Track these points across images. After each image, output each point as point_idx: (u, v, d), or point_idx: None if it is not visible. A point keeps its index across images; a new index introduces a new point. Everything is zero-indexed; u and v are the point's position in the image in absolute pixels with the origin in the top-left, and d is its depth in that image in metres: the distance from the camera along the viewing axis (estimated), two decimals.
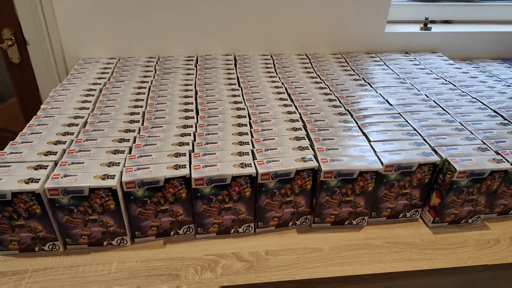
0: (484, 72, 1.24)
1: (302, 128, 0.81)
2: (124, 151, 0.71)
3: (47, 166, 0.66)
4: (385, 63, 1.23)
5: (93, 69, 1.12)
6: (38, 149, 0.71)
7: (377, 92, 1.00)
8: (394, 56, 1.31)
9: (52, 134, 0.77)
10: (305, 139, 0.77)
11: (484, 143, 0.77)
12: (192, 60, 1.21)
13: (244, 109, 0.89)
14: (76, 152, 0.70)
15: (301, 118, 0.86)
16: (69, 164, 0.66)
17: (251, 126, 0.82)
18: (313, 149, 0.73)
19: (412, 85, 1.05)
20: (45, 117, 0.84)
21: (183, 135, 0.77)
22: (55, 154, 0.69)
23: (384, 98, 0.97)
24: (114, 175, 0.63)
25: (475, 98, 0.98)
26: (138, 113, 0.86)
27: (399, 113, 0.88)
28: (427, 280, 0.71)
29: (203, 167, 0.66)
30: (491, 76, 1.18)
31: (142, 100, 0.93)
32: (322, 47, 1.33)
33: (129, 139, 0.75)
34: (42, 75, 1.26)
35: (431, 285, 0.73)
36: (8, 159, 0.68)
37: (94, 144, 0.73)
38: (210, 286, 0.63)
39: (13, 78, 1.30)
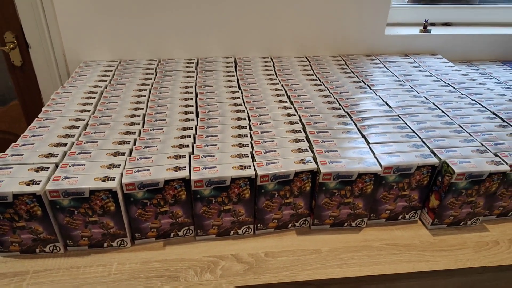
0: (483, 74, 1.24)
1: (302, 130, 0.81)
2: (124, 153, 0.71)
3: (48, 168, 0.66)
4: (384, 66, 1.23)
5: (94, 72, 1.12)
6: (39, 151, 0.71)
7: (376, 95, 1.01)
8: (394, 58, 1.31)
9: (53, 136, 0.77)
10: (304, 141, 0.77)
11: (483, 145, 0.77)
12: (192, 62, 1.21)
13: (244, 111, 0.90)
14: (77, 154, 0.71)
15: (300, 120, 0.86)
16: (70, 166, 0.67)
17: (250, 128, 0.82)
18: (312, 151, 0.73)
19: (412, 88, 1.06)
20: (46, 119, 0.84)
21: (183, 137, 0.78)
22: (56, 156, 0.70)
23: (383, 100, 0.97)
24: (115, 177, 0.63)
25: (474, 100, 0.99)
26: (138, 116, 0.87)
27: (398, 115, 0.89)
28: (426, 282, 0.72)
29: (202, 169, 0.66)
30: (491, 78, 1.18)
31: (143, 102, 0.93)
32: (322, 49, 1.33)
33: (130, 141, 0.76)
34: (43, 77, 1.27)
35: (430, 287, 0.73)
36: (9, 161, 0.69)
37: (94, 146, 0.74)
38: None
39: (15, 81, 1.31)
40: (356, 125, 0.84)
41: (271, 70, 1.18)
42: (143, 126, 0.83)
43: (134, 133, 0.79)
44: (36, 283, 0.63)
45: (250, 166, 0.67)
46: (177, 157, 0.70)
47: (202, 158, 0.70)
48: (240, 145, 0.75)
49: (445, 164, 0.70)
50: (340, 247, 0.72)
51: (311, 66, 1.22)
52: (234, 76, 1.12)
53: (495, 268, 0.70)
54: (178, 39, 1.24)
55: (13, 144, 0.74)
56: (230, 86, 1.04)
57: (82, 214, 0.65)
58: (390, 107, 0.93)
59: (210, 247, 0.71)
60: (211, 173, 0.65)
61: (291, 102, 0.96)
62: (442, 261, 0.69)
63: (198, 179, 0.65)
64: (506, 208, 0.78)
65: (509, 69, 1.30)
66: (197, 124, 0.84)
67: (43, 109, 0.89)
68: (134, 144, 0.76)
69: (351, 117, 0.88)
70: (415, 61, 1.29)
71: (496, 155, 0.74)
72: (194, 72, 1.14)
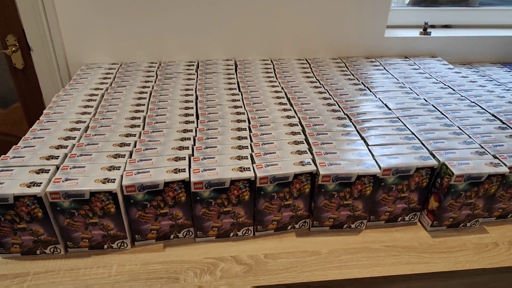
0: (483, 76, 1.24)
1: (301, 132, 0.82)
2: (124, 155, 0.72)
3: (49, 170, 0.67)
4: (384, 68, 1.24)
5: (96, 75, 1.13)
6: (40, 153, 0.72)
7: (376, 97, 1.01)
8: (394, 60, 1.32)
9: (54, 138, 0.78)
10: (303, 143, 0.77)
11: (482, 147, 0.77)
12: (193, 65, 1.22)
13: (243, 113, 0.90)
14: (77, 156, 0.71)
15: (300, 122, 0.86)
16: (70, 168, 0.67)
17: (250, 131, 0.83)
18: (312, 153, 0.74)
19: (411, 90, 1.06)
20: (47, 122, 0.85)
21: (183, 139, 0.78)
22: (57, 158, 0.70)
23: (383, 103, 0.97)
24: (115, 179, 0.64)
25: (473, 102, 0.99)
26: (139, 118, 0.87)
27: (398, 117, 0.89)
28: (425, 284, 0.72)
29: (202, 171, 0.67)
30: (491, 80, 1.19)
31: (143, 104, 0.94)
32: (322, 52, 1.34)
33: (130, 143, 0.76)
34: (45, 80, 1.28)
35: None
36: (10, 163, 0.69)
37: (95, 148, 0.74)
38: None
39: (16, 84, 1.32)
40: (355, 127, 0.84)
41: (271, 72, 1.18)
42: (143, 128, 0.83)
43: (134, 135, 0.80)
44: (36, 284, 0.63)
45: (249, 168, 0.68)
46: (177, 159, 0.70)
47: (202, 160, 0.70)
48: (240, 147, 0.75)
49: (444, 166, 0.71)
50: (340, 249, 0.72)
51: (311, 68, 1.22)
52: (234, 78, 1.13)
53: (494, 270, 0.70)
54: (178, 42, 1.25)
55: (14, 146, 0.75)
56: (230, 89, 1.05)
57: (82, 216, 0.65)
58: (389, 109, 0.94)
59: (210, 249, 0.72)
60: (211, 175, 0.66)
61: (291, 104, 0.96)
62: (442, 263, 0.70)
63: (198, 181, 0.65)
64: (506, 210, 0.79)
65: (509, 71, 1.30)
66: (197, 126, 0.84)
67: (45, 111, 0.89)
68: (135, 146, 0.76)
69: (350, 119, 0.88)
70: (415, 63, 1.29)
71: (495, 157, 0.74)
72: (194, 74, 1.14)
